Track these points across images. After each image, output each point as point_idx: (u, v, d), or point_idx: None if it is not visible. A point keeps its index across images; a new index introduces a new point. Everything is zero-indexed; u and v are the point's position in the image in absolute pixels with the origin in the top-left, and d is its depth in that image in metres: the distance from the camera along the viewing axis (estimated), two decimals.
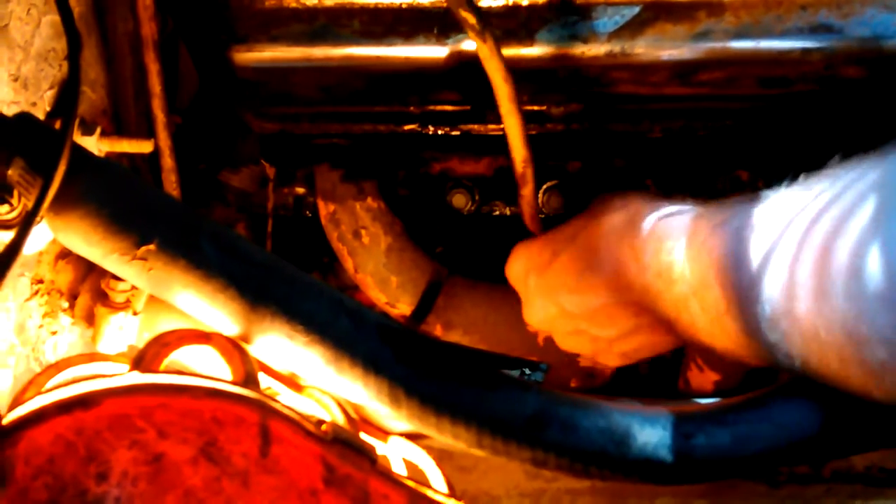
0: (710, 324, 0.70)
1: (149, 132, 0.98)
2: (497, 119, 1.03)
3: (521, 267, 0.95)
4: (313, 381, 0.72)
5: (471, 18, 0.83)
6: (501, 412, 0.69)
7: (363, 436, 0.78)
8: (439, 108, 1.02)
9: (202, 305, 0.68)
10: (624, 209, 0.86)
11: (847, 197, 0.57)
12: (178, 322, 0.89)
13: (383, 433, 0.84)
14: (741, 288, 0.64)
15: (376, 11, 0.91)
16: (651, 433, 0.69)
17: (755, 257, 0.63)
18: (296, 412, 0.62)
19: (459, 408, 0.69)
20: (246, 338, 0.69)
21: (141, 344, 0.91)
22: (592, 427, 0.70)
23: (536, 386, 0.73)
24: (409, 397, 0.69)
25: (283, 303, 0.68)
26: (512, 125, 0.89)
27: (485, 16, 0.83)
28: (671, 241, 0.75)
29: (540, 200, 1.11)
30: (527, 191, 0.94)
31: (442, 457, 0.81)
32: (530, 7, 0.91)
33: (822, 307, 0.55)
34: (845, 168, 0.60)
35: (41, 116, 0.84)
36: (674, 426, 0.70)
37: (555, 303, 0.90)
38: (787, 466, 0.72)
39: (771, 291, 0.61)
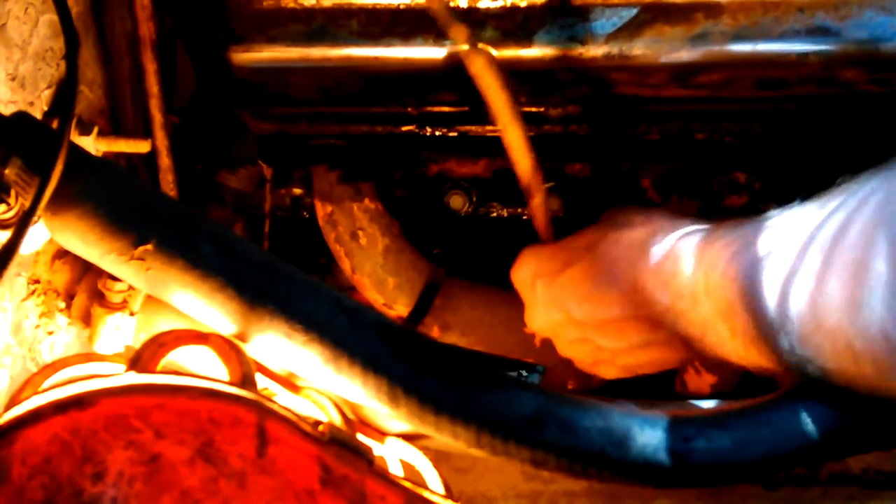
0: (743, 346, 0.70)
1: (146, 132, 0.98)
2: (494, 121, 1.03)
3: (529, 271, 0.95)
4: (312, 380, 0.72)
5: (461, 35, 0.83)
6: (500, 412, 0.69)
7: (360, 437, 0.78)
8: (437, 109, 1.02)
9: (200, 305, 0.68)
10: (645, 225, 0.86)
11: (868, 209, 0.58)
12: (175, 322, 0.89)
13: (380, 434, 0.84)
14: (768, 311, 0.64)
15: (374, 12, 0.91)
16: (651, 435, 0.69)
17: (779, 278, 0.63)
18: (293, 413, 0.62)
19: (458, 407, 0.69)
20: (244, 337, 0.69)
21: (137, 344, 0.91)
22: (592, 427, 0.69)
23: (536, 386, 0.73)
24: (407, 396, 0.68)
25: (281, 302, 0.68)
26: (513, 136, 0.87)
27: (476, 29, 0.83)
28: (694, 263, 0.75)
29: None
30: (538, 200, 0.92)
31: (439, 458, 0.81)
32: (528, 8, 0.90)
33: (855, 318, 0.56)
34: (856, 182, 0.61)
35: (38, 116, 0.84)
36: (674, 429, 0.70)
37: (562, 310, 0.90)
38: (785, 472, 0.71)
39: (799, 309, 0.61)
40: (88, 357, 0.72)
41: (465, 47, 0.83)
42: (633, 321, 0.85)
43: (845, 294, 0.56)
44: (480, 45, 0.83)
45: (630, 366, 0.91)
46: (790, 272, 0.62)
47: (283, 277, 0.70)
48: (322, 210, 1.11)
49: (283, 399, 0.78)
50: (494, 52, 0.92)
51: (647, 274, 0.80)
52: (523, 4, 0.90)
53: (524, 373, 0.75)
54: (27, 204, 0.63)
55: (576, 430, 0.69)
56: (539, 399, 0.71)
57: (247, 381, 0.64)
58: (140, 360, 0.63)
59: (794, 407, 0.69)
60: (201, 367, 0.71)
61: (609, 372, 0.94)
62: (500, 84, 0.85)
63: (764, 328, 0.65)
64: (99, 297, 0.91)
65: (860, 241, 0.56)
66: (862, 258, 0.55)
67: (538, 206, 0.93)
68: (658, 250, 0.80)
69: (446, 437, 0.70)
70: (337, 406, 0.77)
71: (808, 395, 0.70)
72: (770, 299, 0.64)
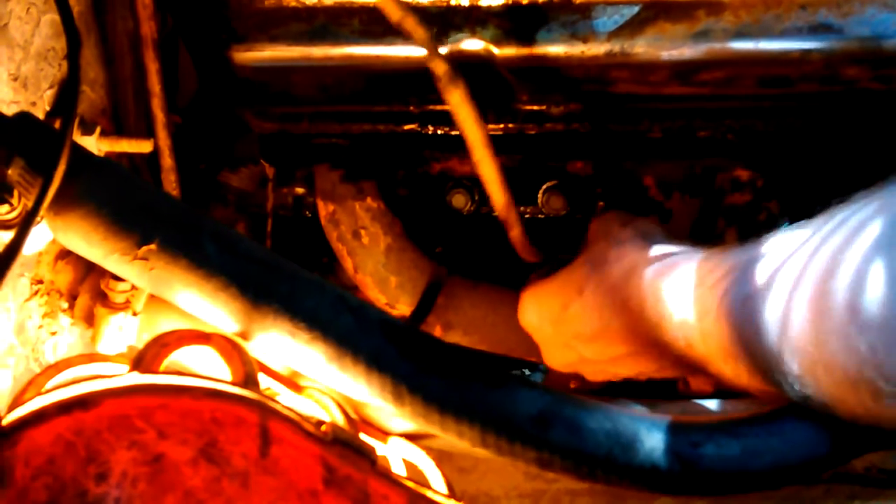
0: (744, 382, 0.69)
1: (148, 132, 0.98)
2: (496, 120, 1.03)
3: (534, 317, 0.96)
4: (316, 378, 0.71)
5: (439, 68, 0.83)
6: (506, 411, 0.69)
7: (363, 436, 0.78)
8: (439, 107, 1.02)
9: (204, 304, 0.68)
10: (620, 261, 0.85)
11: (836, 239, 0.58)
12: (178, 322, 0.89)
13: (383, 434, 0.84)
14: (766, 350, 0.63)
15: (376, 11, 0.91)
16: (659, 439, 0.68)
17: (773, 316, 0.62)
18: (296, 413, 0.62)
19: (463, 406, 0.68)
20: (248, 336, 0.69)
21: (140, 344, 0.91)
22: (599, 429, 0.68)
23: (541, 385, 0.72)
24: (412, 395, 0.68)
25: (284, 301, 0.68)
26: (488, 171, 0.88)
27: (455, 65, 0.83)
28: (683, 307, 0.74)
29: (540, 201, 1.11)
30: (515, 233, 0.95)
31: (441, 458, 0.81)
32: (530, 6, 0.90)
33: (850, 351, 0.55)
34: (848, 206, 0.60)
35: (41, 116, 0.84)
36: (682, 433, 0.69)
37: (574, 350, 0.90)
38: (794, 484, 0.70)
39: (795, 345, 0.60)
40: (91, 357, 0.72)
41: (443, 80, 0.83)
42: (642, 354, 0.85)
43: (840, 331, 0.56)
44: (458, 79, 0.83)
45: (654, 377, 0.91)
46: (783, 311, 0.61)
47: (287, 276, 0.70)
48: (324, 209, 1.11)
49: (285, 399, 0.78)
50: (496, 51, 0.92)
51: (637, 317, 0.80)
52: (525, 2, 0.90)
53: (527, 372, 0.75)
54: (30, 204, 0.63)
55: (582, 431, 0.68)
56: (545, 399, 0.70)
57: (249, 381, 0.64)
58: (143, 360, 0.63)
59: (806, 417, 0.67)
60: (204, 367, 0.71)
61: (645, 377, 0.94)
62: (476, 118, 0.85)
63: (764, 368, 0.64)
64: (102, 298, 0.91)
65: (852, 279, 0.55)
66: (854, 298, 0.54)
67: (517, 237, 0.94)
68: (640, 292, 0.79)
69: (451, 437, 0.69)
70: (340, 406, 0.77)
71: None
72: (766, 340, 0.63)
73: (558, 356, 0.94)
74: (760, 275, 0.65)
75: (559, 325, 0.91)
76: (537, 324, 0.96)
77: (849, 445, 0.68)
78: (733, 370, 0.69)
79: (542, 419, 0.68)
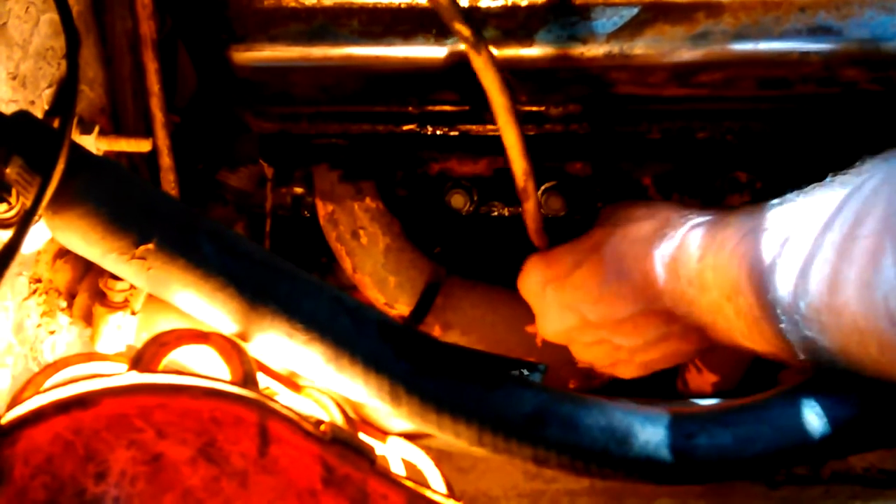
0: (747, 327, 0.70)
1: (147, 131, 0.98)
2: (496, 120, 1.03)
3: (537, 278, 0.95)
4: (313, 379, 0.72)
5: (465, 31, 0.82)
6: (502, 410, 0.69)
7: (362, 436, 0.78)
8: (438, 108, 1.02)
9: (201, 304, 0.68)
10: (651, 218, 0.86)
11: (865, 190, 0.59)
12: (177, 322, 0.89)
13: (382, 433, 0.84)
14: (773, 289, 0.65)
15: (375, 11, 0.91)
16: (652, 432, 0.69)
17: (792, 259, 0.64)
18: (294, 412, 0.62)
19: (460, 405, 0.69)
20: (245, 336, 0.69)
21: (139, 344, 0.91)
22: (594, 425, 0.69)
23: (537, 384, 0.73)
24: (409, 395, 0.68)
25: (282, 301, 0.68)
26: (510, 137, 0.88)
27: (479, 27, 0.82)
28: (702, 249, 0.75)
29: (539, 202, 1.11)
30: (530, 205, 0.94)
31: (441, 457, 0.81)
32: (529, 7, 0.91)
33: (866, 301, 0.56)
34: (873, 163, 0.61)
35: (39, 115, 0.83)
36: (675, 425, 0.70)
37: (575, 313, 0.90)
38: (787, 469, 0.72)
39: (809, 288, 0.62)
40: (90, 356, 0.72)
41: (468, 45, 0.83)
42: (648, 316, 0.85)
43: (859, 277, 0.57)
44: (482, 44, 0.83)
45: (648, 362, 0.91)
46: (805, 254, 0.62)
47: (285, 276, 0.70)
48: (323, 209, 1.11)
49: (284, 398, 0.77)
50: (495, 52, 0.92)
51: (657, 266, 0.81)
52: (524, 3, 0.90)
53: (525, 372, 0.75)
54: (28, 203, 0.63)
55: (577, 427, 0.69)
56: (540, 397, 0.71)
57: (248, 380, 0.64)
58: (142, 359, 0.63)
59: (796, 403, 0.69)
60: (203, 366, 0.71)
61: (628, 371, 0.94)
62: (501, 84, 0.85)
63: (768, 307, 0.66)
64: (100, 297, 0.91)
65: (877, 228, 0.56)
66: (877, 247, 0.56)
67: (531, 210, 0.94)
68: (666, 241, 0.81)
69: (448, 436, 0.70)
70: (339, 405, 0.77)
71: (811, 392, 0.70)
72: (778, 278, 0.64)
73: (556, 321, 0.94)
74: (785, 219, 0.67)
75: (564, 286, 0.91)
76: (538, 286, 0.95)
77: (842, 431, 0.69)
78: (736, 309, 0.70)
79: (538, 417, 0.69)
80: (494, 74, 0.84)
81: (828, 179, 0.66)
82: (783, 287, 0.64)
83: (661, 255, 0.80)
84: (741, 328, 0.71)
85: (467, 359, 0.73)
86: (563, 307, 0.91)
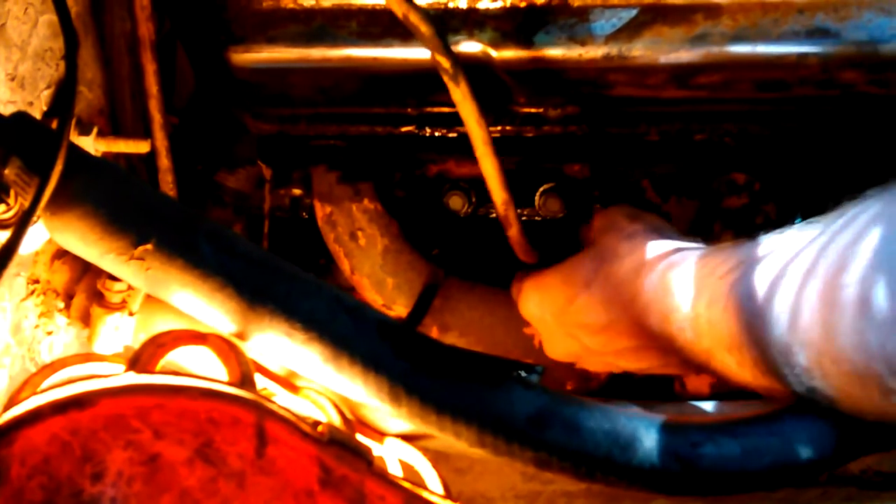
0: (749, 376, 0.69)
1: (145, 132, 0.98)
2: (494, 122, 1.03)
3: (536, 308, 0.96)
4: (312, 379, 0.71)
5: (444, 62, 0.83)
6: (503, 411, 0.68)
7: (359, 437, 0.78)
8: (436, 109, 1.02)
9: (200, 304, 0.68)
10: (632, 254, 0.85)
11: (847, 235, 0.58)
12: (174, 323, 0.89)
13: (379, 434, 0.84)
14: (774, 342, 0.63)
15: (374, 13, 0.91)
16: (657, 439, 0.67)
17: (782, 309, 0.62)
18: (292, 413, 0.62)
19: (460, 406, 0.68)
20: (244, 336, 0.69)
21: (137, 344, 0.91)
22: (597, 429, 0.68)
23: (539, 385, 0.72)
24: (409, 396, 0.68)
25: (281, 301, 0.68)
26: (489, 168, 0.89)
27: (459, 61, 0.83)
28: (692, 296, 0.74)
29: (537, 203, 1.11)
30: (513, 231, 0.95)
31: (438, 458, 0.81)
32: (528, 9, 0.91)
33: (861, 346, 0.56)
34: (857, 204, 0.61)
35: (38, 116, 0.84)
36: (681, 433, 0.68)
37: (578, 342, 0.90)
38: (794, 486, 0.69)
39: (804, 338, 0.61)
40: (87, 357, 0.72)
41: (447, 76, 0.83)
42: (647, 349, 0.85)
43: (851, 326, 0.56)
44: (461, 76, 0.84)
45: (657, 373, 0.91)
46: (794, 303, 0.61)
47: (283, 276, 0.70)
48: (321, 210, 1.11)
49: (282, 399, 0.78)
50: (494, 53, 0.92)
51: (646, 311, 0.80)
52: (523, 5, 0.90)
53: (523, 373, 0.74)
54: (27, 204, 0.63)
55: (580, 431, 0.68)
56: (543, 399, 0.70)
57: (246, 381, 0.64)
58: (139, 360, 0.63)
59: (807, 418, 0.67)
60: (200, 367, 0.71)
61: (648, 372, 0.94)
62: (479, 116, 0.85)
63: (771, 359, 0.64)
64: (98, 298, 0.91)
65: (863, 273, 0.55)
66: (865, 292, 0.55)
67: (515, 236, 0.94)
68: (650, 285, 0.80)
69: (449, 437, 0.69)
70: (336, 406, 0.77)
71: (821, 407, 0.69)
72: (775, 331, 0.63)
73: (560, 346, 0.94)
74: (771, 267, 0.65)
75: (563, 316, 0.91)
76: (539, 314, 0.95)
77: (851, 446, 0.67)
78: (738, 361, 0.69)
79: (540, 419, 0.68)
80: (472, 106, 0.85)
81: (810, 221, 0.65)
82: (780, 339, 0.63)
83: (648, 300, 0.80)
84: (744, 375, 0.70)
85: (467, 360, 0.72)
86: (566, 335, 0.92)
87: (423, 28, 0.81)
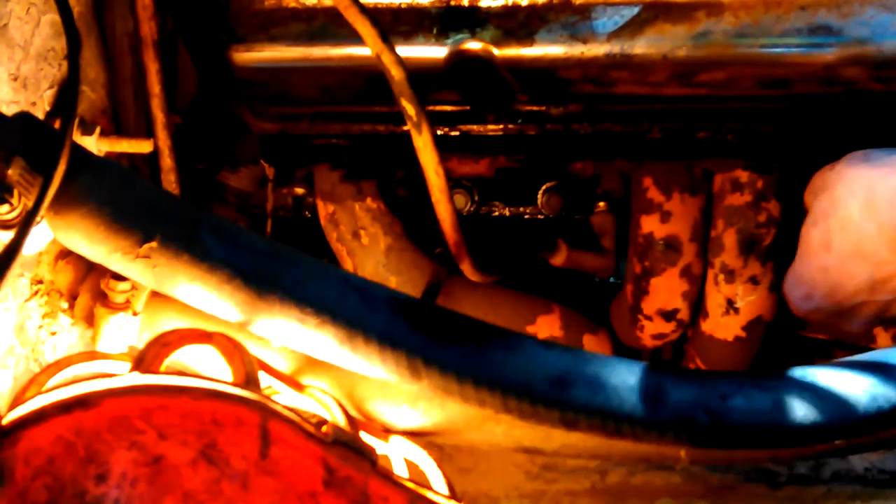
0: None
1: (148, 132, 0.98)
2: (497, 120, 1.03)
3: (805, 300, 0.93)
4: (330, 362, 0.70)
5: (410, 109, 0.84)
6: (525, 374, 0.67)
7: (364, 436, 0.78)
8: (438, 108, 1.02)
9: (209, 297, 0.68)
10: (852, 196, 0.86)
11: None
12: (179, 322, 0.89)
13: (384, 432, 0.84)
14: None
15: (375, 11, 0.91)
16: (685, 391, 0.65)
17: None
18: (296, 413, 0.62)
19: (481, 372, 0.66)
20: (255, 326, 0.69)
21: (141, 344, 0.91)
22: (622, 385, 0.66)
23: (559, 345, 0.70)
24: (428, 367, 0.66)
25: (289, 288, 0.67)
26: (443, 212, 0.92)
27: (424, 107, 0.85)
28: None
29: (540, 201, 1.11)
30: (466, 266, 0.99)
31: (442, 458, 0.81)
32: (529, 7, 0.91)
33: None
34: None
35: (41, 116, 0.84)
36: (710, 385, 0.66)
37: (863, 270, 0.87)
38: (827, 445, 0.65)
39: None
40: (93, 355, 0.72)
41: (410, 122, 0.85)
42: None
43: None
44: (425, 123, 0.85)
45: None
46: None
47: (289, 263, 0.69)
48: (324, 209, 1.11)
49: (286, 398, 0.77)
50: (496, 52, 0.92)
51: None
52: (525, 3, 0.90)
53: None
54: (30, 204, 0.63)
55: (605, 388, 0.66)
56: (565, 358, 0.68)
57: (250, 381, 0.64)
58: (144, 359, 0.63)
59: (841, 374, 0.65)
60: (205, 366, 0.71)
61: None
62: (438, 165, 0.87)
63: None
64: (102, 298, 0.91)
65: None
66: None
67: (468, 269, 0.98)
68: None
69: (472, 405, 0.67)
70: (341, 405, 0.77)
71: (862, 366, 0.67)
72: None
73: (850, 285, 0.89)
74: None
75: (833, 284, 0.88)
76: (812, 305, 0.92)
77: (888, 414, 0.65)
78: None
79: (563, 380, 0.67)
80: (433, 155, 0.86)
81: None
82: None
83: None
84: None
85: (483, 328, 0.71)
86: (854, 303, 0.89)
87: (394, 71, 0.82)
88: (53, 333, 0.90)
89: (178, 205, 0.70)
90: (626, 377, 0.67)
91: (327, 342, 0.68)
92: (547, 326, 1.11)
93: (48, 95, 0.85)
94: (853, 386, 0.65)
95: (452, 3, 0.91)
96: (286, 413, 0.61)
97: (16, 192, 0.65)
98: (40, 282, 0.87)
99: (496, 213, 1.14)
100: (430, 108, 1.02)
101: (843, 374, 0.66)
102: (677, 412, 0.65)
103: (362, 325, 0.67)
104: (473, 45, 0.92)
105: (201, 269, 0.67)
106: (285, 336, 0.69)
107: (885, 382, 0.65)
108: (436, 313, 0.71)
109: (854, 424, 0.65)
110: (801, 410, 0.65)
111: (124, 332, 0.91)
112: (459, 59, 0.92)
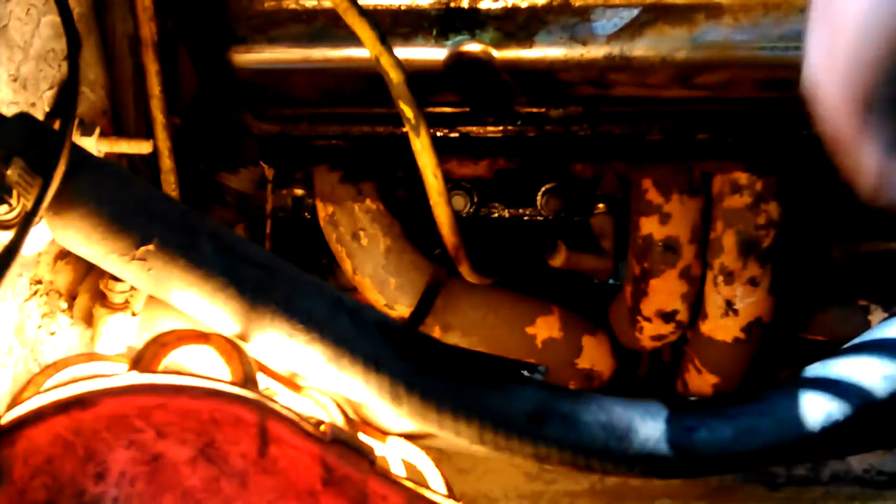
0: None
1: (148, 133, 0.98)
2: (496, 122, 1.03)
3: None
4: (314, 379, 0.72)
5: (408, 112, 0.85)
6: (502, 408, 0.69)
7: (362, 436, 0.78)
8: (438, 109, 1.02)
9: (202, 305, 0.68)
10: None
11: None
12: (177, 322, 0.89)
13: (382, 433, 0.84)
14: None
15: (375, 13, 0.91)
16: (653, 427, 0.69)
17: None
18: (294, 413, 0.62)
19: (460, 404, 0.69)
20: (246, 336, 0.69)
21: (140, 344, 0.91)
22: (594, 422, 0.69)
23: (537, 381, 0.73)
24: (409, 394, 0.68)
25: (282, 301, 0.68)
26: (442, 215, 0.94)
27: (422, 110, 0.86)
28: None
29: (539, 203, 1.11)
30: (464, 268, 1.00)
31: (441, 458, 0.81)
32: (529, 9, 0.91)
33: None
34: None
35: (40, 117, 0.84)
36: (675, 420, 0.70)
37: None
38: (787, 463, 0.70)
39: None
40: (91, 356, 0.72)
41: (408, 126, 0.86)
42: None
43: None
44: (423, 126, 0.86)
45: None
46: None
47: (285, 277, 0.70)
48: (323, 210, 1.11)
49: (284, 398, 0.78)
50: (496, 53, 0.92)
51: None
52: (524, 5, 0.90)
53: (525, 373, 0.75)
54: (29, 205, 0.63)
55: (577, 424, 0.69)
56: (541, 394, 0.71)
57: (248, 380, 0.64)
58: (142, 359, 0.63)
59: (796, 396, 0.69)
60: (203, 366, 0.71)
61: None
62: (436, 167, 0.88)
63: None
64: (101, 298, 0.91)
65: None
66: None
67: (466, 271, 0.99)
68: None
69: (449, 434, 0.70)
70: (339, 405, 0.77)
71: (811, 385, 0.70)
72: None
73: None
74: None
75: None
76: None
77: (842, 425, 0.68)
78: None
79: (538, 415, 0.69)
80: (431, 158, 0.88)
81: None
82: None
83: None
84: None
85: (467, 359, 0.73)
86: None
87: (393, 74, 0.83)
88: (52, 333, 0.90)
89: (177, 209, 0.70)
90: (597, 414, 0.70)
91: (315, 358, 0.69)
92: (546, 328, 1.11)
93: (48, 96, 0.85)
94: (811, 406, 0.69)
95: (452, 4, 0.91)
96: (284, 412, 0.61)
97: (15, 193, 0.65)
98: (39, 282, 0.88)
99: (495, 215, 1.14)
100: (430, 109, 1.02)
101: (802, 394, 0.70)
102: (645, 448, 0.68)
103: (350, 346, 0.69)
104: (473, 47, 0.92)
105: (196, 275, 0.67)
106: (274, 349, 0.69)
107: (835, 399, 0.69)
108: (423, 342, 0.73)
109: (809, 441, 0.69)
110: (758, 437, 0.68)
111: (123, 332, 0.92)
112: (459, 60, 0.92)
